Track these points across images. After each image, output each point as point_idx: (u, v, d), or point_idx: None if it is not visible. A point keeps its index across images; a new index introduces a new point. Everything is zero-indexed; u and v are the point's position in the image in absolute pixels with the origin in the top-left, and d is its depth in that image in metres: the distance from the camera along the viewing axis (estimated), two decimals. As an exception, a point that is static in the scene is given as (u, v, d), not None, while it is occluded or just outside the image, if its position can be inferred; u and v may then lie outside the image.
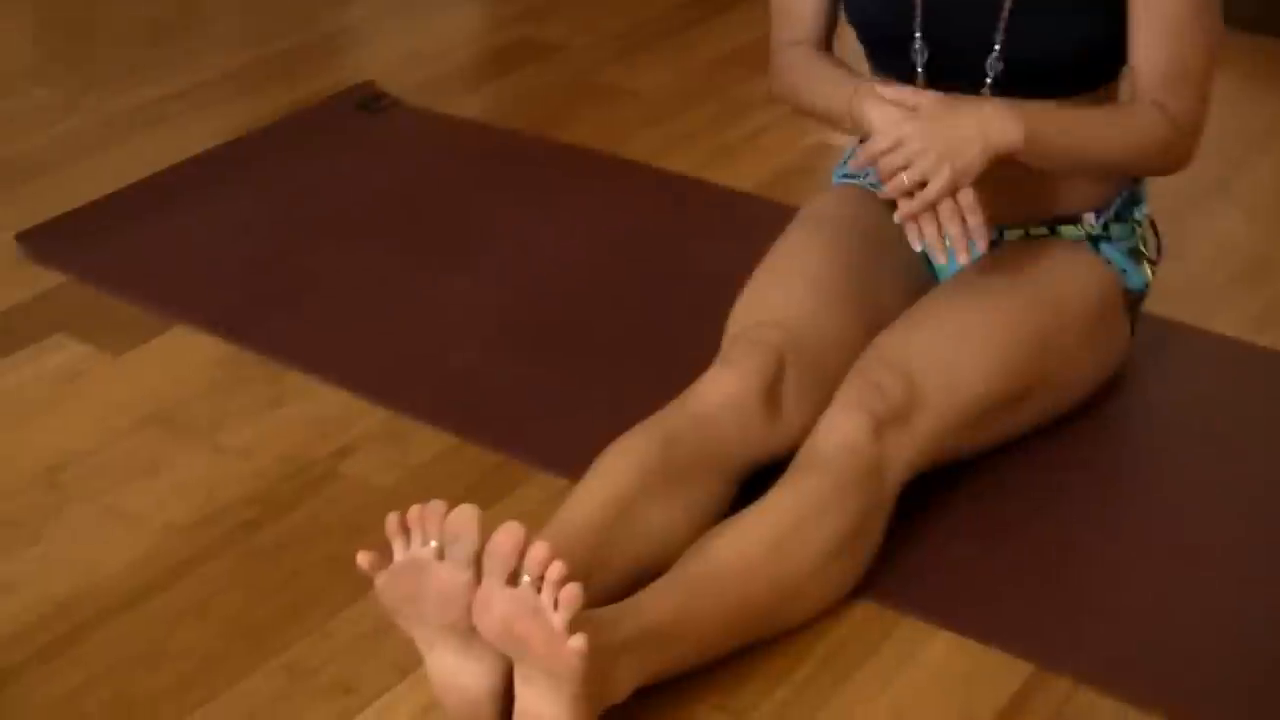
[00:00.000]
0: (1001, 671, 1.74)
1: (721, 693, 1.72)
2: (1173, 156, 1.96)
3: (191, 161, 2.90)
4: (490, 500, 2.00)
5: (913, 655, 1.77)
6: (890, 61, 2.02)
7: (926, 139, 1.82)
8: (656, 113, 3.06)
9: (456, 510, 1.57)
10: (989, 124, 1.83)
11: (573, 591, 1.49)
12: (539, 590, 1.52)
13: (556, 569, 1.51)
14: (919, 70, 1.99)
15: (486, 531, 1.56)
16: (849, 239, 2.08)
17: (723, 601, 1.70)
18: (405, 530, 1.60)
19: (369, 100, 3.10)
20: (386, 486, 2.06)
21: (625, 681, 1.63)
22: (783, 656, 1.76)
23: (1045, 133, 1.86)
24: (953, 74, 1.96)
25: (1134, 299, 2.10)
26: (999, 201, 1.96)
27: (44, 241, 2.63)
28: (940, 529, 1.94)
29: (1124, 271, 2.06)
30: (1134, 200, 2.09)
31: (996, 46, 1.93)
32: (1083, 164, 1.97)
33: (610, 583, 1.74)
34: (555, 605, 1.51)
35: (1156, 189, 2.12)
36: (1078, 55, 1.94)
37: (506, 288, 2.49)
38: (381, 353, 2.34)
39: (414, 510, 1.59)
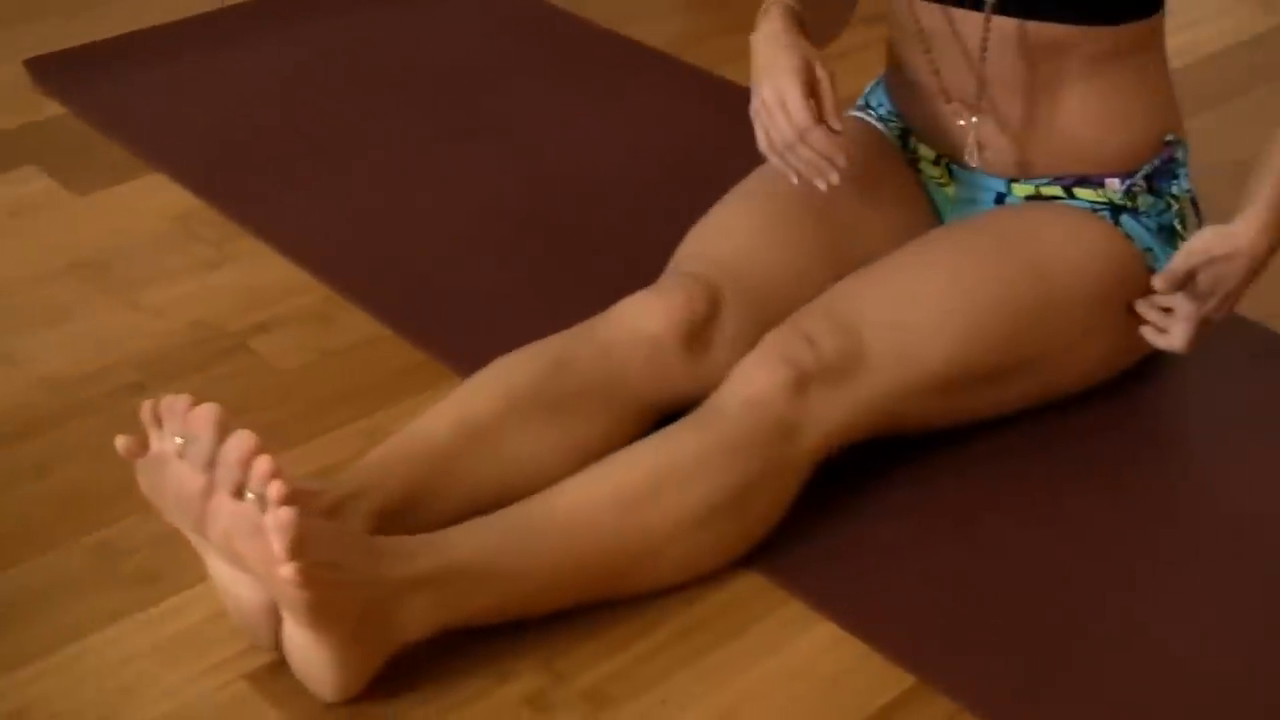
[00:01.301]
0: (879, 679, 1.48)
1: (551, 650, 1.50)
2: None
3: (237, 8, 2.74)
4: (390, 399, 1.84)
5: (784, 643, 1.52)
6: None
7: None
8: (743, 20, 2.79)
9: (198, 407, 1.36)
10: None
11: (285, 515, 1.28)
12: (264, 509, 1.31)
13: (275, 488, 1.30)
14: None
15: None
16: (834, 174, 1.82)
17: (554, 552, 1.48)
18: (158, 421, 1.40)
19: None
20: (289, 369, 1.90)
21: (418, 621, 1.43)
22: (634, 620, 1.53)
23: None
24: None
25: (1163, 284, 1.79)
26: (1007, 149, 1.77)
27: (54, 70, 2.52)
28: (869, 508, 1.67)
29: (1149, 250, 1.75)
30: (1172, 172, 1.78)
31: None
32: None
33: (454, 507, 1.55)
34: None
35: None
36: None
37: (518, 182, 2.28)
38: (350, 230, 2.16)
39: (165, 401, 1.39)
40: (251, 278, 2.05)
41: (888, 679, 1.48)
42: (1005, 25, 1.67)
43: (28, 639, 1.51)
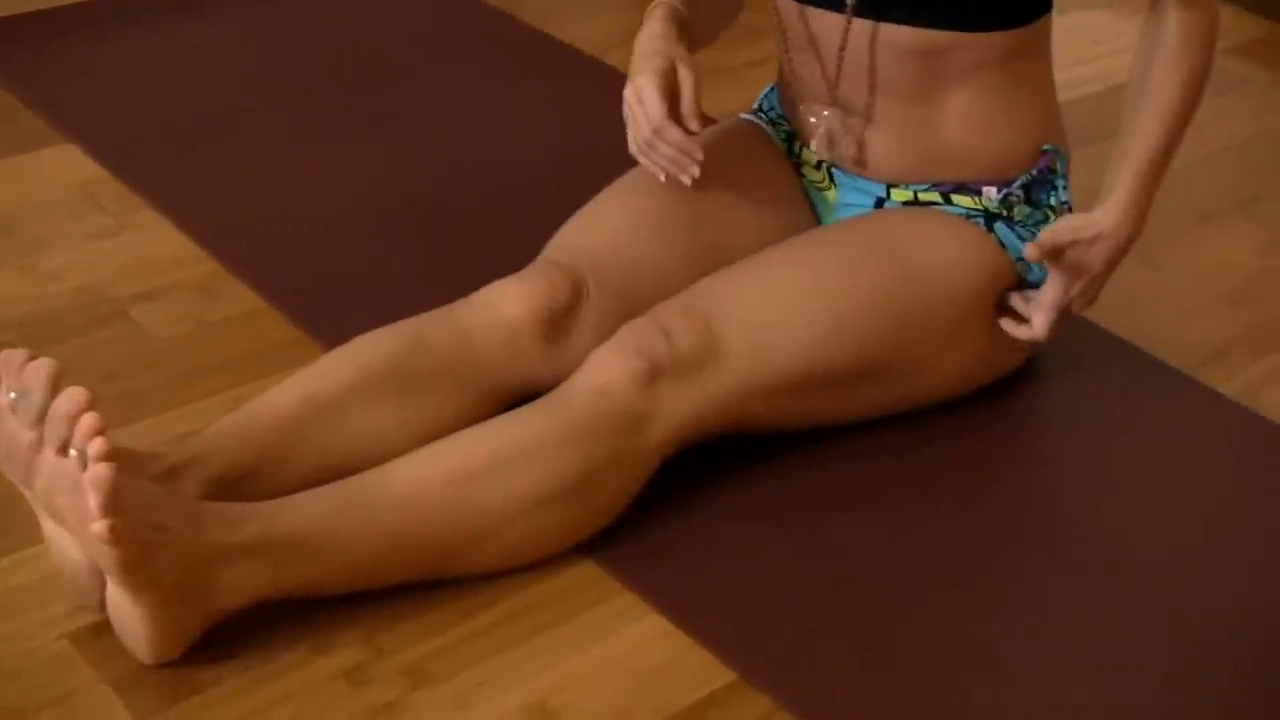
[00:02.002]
0: (699, 673, 1.48)
1: (374, 625, 1.51)
2: (1215, 40, 1.67)
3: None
4: (261, 372, 1.85)
5: (611, 632, 1.52)
6: None
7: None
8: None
9: (33, 362, 1.37)
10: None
11: (101, 471, 1.29)
12: (85, 466, 1.32)
13: (96, 445, 1.30)
14: None
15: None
16: (712, 172, 1.81)
17: (386, 526, 1.49)
18: None
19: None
20: (166, 337, 1.91)
21: (240, 589, 1.44)
22: (464, 600, 1.54)
23: None
24: None
25: (1037, 293, 1.80)
26: (884, 153, 1.78)
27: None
28: (715, 505, 1.67)
29: (1022, 260, 1.76)
30: (1050, 183, 1.79)
31: None
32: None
33: (296, 479, 1.55)
34: None
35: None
36: None
37: (421, 172, 2.30)
38: (247, 208, 2.18)
39: (2, 355, 1.40)
40: (144, 248, 2.07)
41: (709, 673, 1.48)
42: (868, 28, 1.67)
43: None
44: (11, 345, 1.78)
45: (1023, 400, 1.86)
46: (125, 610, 1.41)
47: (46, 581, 1.53)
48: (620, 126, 2.40)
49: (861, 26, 1.68)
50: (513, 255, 1.88)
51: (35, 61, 2.53)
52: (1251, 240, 2.25)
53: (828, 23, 1.70)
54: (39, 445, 1.35)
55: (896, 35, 1.67)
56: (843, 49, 1.69)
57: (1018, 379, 1.87)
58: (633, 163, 1.84)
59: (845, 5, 1.67)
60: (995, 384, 1.84)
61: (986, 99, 1.72)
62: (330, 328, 1.90)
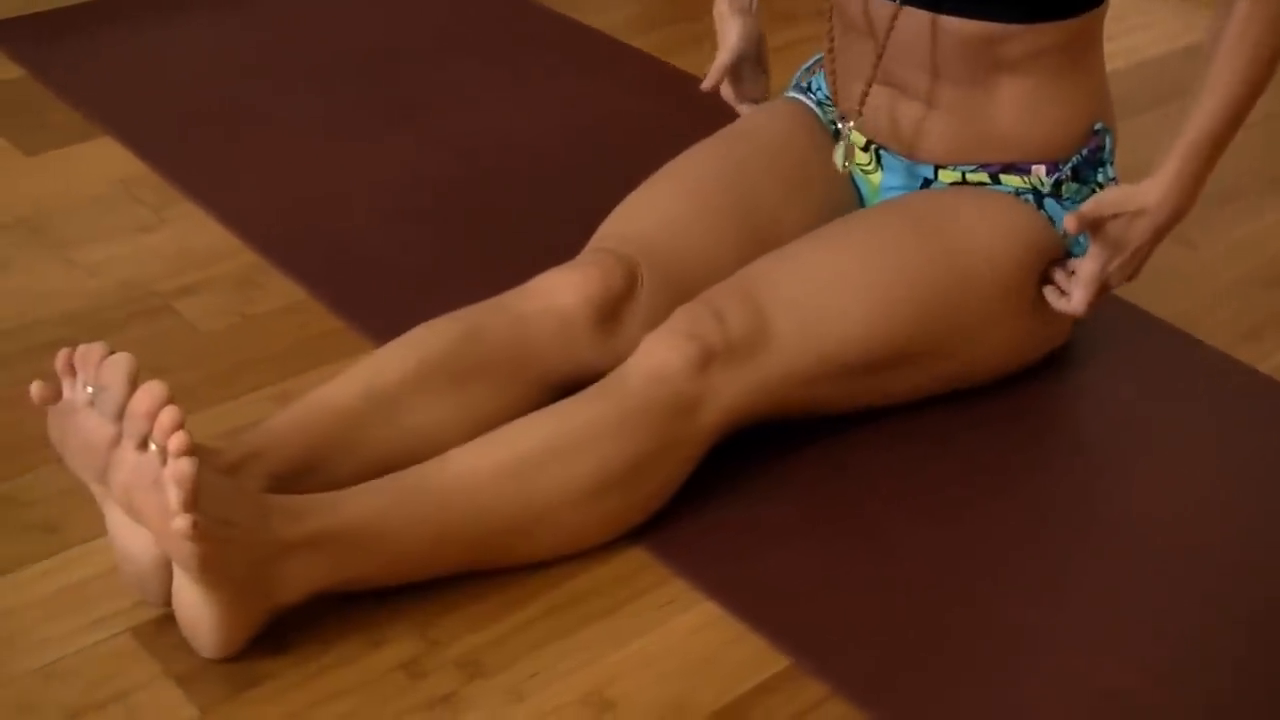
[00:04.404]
0: (752, 660, 1.50)
1: (425, 616, 1.52)
2: None
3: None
4: (305, 365, 1.86)
5: (662, 621, 1.54)
6: None
7: None
8: (694, 8, 2.81)
9: (111, 357, 1.38)
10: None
11: (183, 467, 1.30)
12: (165, 461, 1.34)
13: (177, 440, 1.31)
14: None
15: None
16: (759, 156, 1.85)
17: (440, 518, 1.50)
18: (72, 370, 1.43)
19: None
20: (211, 331, 1.92)
21: (301, 582, 1.45)
22: (513, 591, 1.55)
23: None
24: None
25: (1083, 268, 1.80)
26: (936, 138, 1.78)
27: (21, 33, 2.58)
28: (761, 490, 1.69)
29: (1068, 234, 1.77)
30: (1098, 160, 1.80)
31: None
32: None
33: (354, 472, 1.56)
34: None
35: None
36: None
37: (453, 159, 2.32)
38: (285, 200, 2.19)
39: (80, 350, 1.41)
40: (185, 241, 2.08)
41: (762, 660, 1.50)
42: (923, 16, 1.69)
43: (-82, 585, 1.54)
44: (57, 340, 1.84)
45: (1061, 380, 1.87)
46: (194, 605, 1.42)
47: (106, 578, 1.55)
48: (647, 110, 2.43)
49: (915, 14, 1.69)
50: (549, 241, 1.91)
51: (69, 55, 2.55)
52: (1283, 219, 2.26)
53: (884, 10, 1.71)
54: (117, 440, 1.36)
55: (950, 24, 1.68)
56: (889, 34, 1.70)
57: (1051, 359, 1.88)
58: (664, 146, 1.85)
59: None
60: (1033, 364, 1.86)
61: (1040, 84, 1.73)
62: (373, 318, 1.92)
